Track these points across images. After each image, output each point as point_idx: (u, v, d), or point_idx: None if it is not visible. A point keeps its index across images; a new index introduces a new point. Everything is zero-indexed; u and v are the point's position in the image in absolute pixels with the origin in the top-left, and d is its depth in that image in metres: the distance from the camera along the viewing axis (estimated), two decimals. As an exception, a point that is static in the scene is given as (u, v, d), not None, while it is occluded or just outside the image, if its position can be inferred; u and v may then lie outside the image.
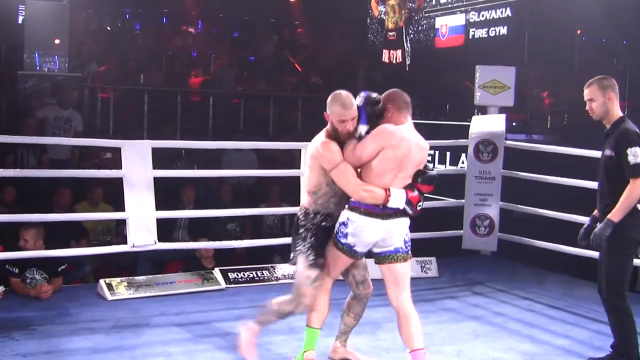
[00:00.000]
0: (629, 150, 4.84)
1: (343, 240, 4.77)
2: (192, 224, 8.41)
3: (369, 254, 4.91)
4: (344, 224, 4.75)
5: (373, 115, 4.75)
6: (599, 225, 5.01)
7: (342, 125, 4.72)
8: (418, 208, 4.74)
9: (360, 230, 4.72)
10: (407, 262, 4.87)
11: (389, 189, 4.64)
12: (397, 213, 4.71)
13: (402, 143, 4.65)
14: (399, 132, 4.67)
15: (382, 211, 4.68)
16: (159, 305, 6.57)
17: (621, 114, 5.06)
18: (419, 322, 4.82)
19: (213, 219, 8.29)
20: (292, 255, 4.98)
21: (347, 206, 4.77)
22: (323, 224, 4.87)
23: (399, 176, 4.71)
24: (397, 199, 4.66)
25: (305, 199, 4.94)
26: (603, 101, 5.04)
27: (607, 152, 5.04)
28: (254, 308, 6.56)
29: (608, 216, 4.94)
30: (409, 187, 4.74)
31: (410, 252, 4.87)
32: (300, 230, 4.89)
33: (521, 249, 8.01)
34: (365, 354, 5.40)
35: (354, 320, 5.27)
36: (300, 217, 4.91)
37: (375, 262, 4.88)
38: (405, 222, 4.80)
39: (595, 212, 5.24)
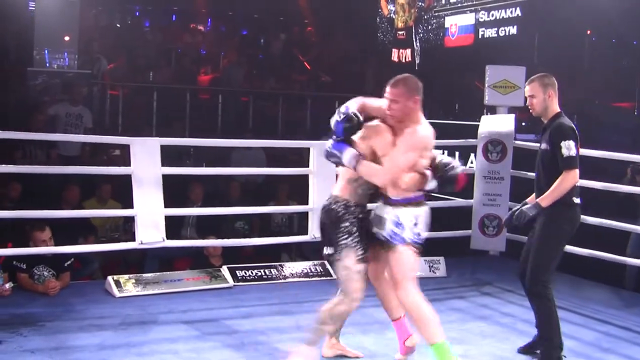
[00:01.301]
0: (563, 144, 5.00)
1: (417, 239, 4.78)
2: (200, 221, 8.42)
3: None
4: (415, 224, 4.75)
5: (349, 131, 4.73)
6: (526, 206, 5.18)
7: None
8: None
9: (424, 221, 4.79)
10: None
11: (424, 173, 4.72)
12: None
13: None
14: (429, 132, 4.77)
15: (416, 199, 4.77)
16: (166, 303, 6.57)
17: (558, 110, 5.20)
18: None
19: (221, 217, 8.30)
20: (330, 250, 4.83)
21: (397, 204, 4.74)
22: (360, 216, 4.81)
23: None
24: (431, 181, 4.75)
25: (342, 189, 4.83)
26: (543, 98, 5.18)
27: (543, 145, 5.19)
28: (261, 306, 6.61)
29: (537, 200, 5.14)
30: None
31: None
32: (345, 224, 4.76)
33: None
34: (375, 353, 5.35)
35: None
36: (340, 210, 4.77)
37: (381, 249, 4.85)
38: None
39: (529, 199, 5.43)
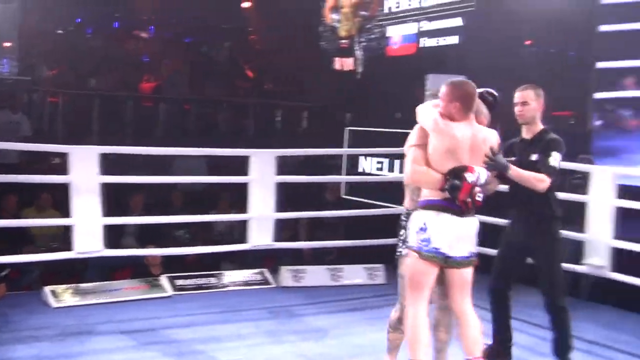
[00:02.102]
0: (554, 153, 5.09)
1: (426, 248, 4.50)
2: (140, 230, 8.36)
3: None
4: (422, 229, 4.50)
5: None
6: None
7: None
8: (464, 199, 4.44)
9: (442, 229, 4.49)
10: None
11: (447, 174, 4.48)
12: (471, 211, 4.53)
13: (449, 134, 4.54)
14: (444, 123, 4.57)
15: (457, 207, 4.47)
16: (105, 313, 6.53)
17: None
18: (480, 329, 4.66)
19: (162, 226, 8.24)
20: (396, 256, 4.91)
21: (418, 207, 4.60)
22: None
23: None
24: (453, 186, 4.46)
25: (406, 197, 4.89)
26: (536, 107, 5.24)
27: (534, 157, 5.17)
28: (200, 315, 6.60)
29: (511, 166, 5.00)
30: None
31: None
32: (402, 232, 4.80)
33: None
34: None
35: (447, 333, 4.95)
36: (403, 217, 4.85)
37: (444, 266, 4.57)
38: (476, 222, 4.62)
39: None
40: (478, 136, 4.59)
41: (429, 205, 4.53)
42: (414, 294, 4.58)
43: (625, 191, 6.77)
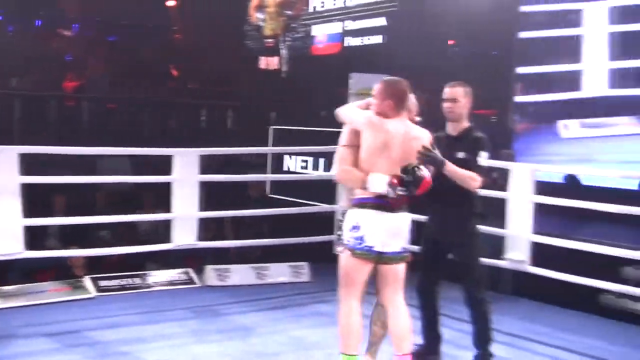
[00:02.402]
0: (482, 153, 5.18)
1: (359, 246, 4.60)
2: (63, 231, 8.26)
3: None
4: (355, 227, 4.60)
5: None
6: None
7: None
8: (399, 192, 4.54)
9: (374, 226, 4.58)
10: (404, 263, 4.77)
11: (369, 173, 4.59)
12: (402, 206, 4.63)
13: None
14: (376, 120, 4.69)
15: (388, 204, 4.57)
16: (27, 315, 6.45)
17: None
18: (410, 326, 4.74)
19: (85, 226, 8.15)
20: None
21: (352, 205, 4.70)
22: None
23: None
24: (377, 183, 4.56)
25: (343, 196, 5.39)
26: (464, 104, 5.29)
27: (460, 154, 5.19)
28: (125, 316, 6.56)
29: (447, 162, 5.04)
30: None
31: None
32: (339, 230, 4.98)
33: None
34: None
35: (382, 329, 5.09)
36: (339, 216, 5.25)
37: (377, 262, 4.68)
38: (408, 218, 4.70)
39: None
40: (410, 133, 4.72)
41: (362, 204, 4.62)
42: (347, 290, 4.71)
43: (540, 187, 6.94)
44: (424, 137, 4.78)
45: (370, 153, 4.60)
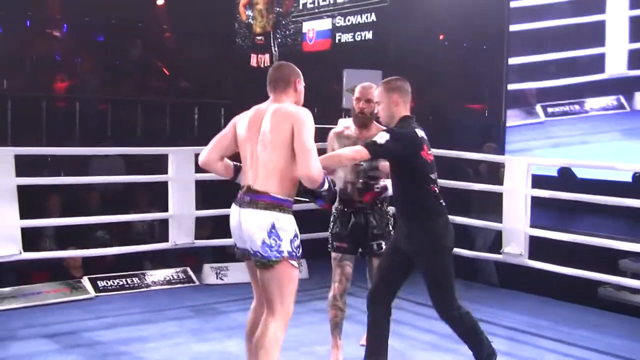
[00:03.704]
0: (382, 133, 4.66)
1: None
2: (58, 232, 8.24)
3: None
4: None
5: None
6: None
7: (357, 104, 5.48)
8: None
9: (231, 220, 4.33)
10: (272, 271, 4.16)
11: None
12: (252, 202, 4.16)
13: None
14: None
15: (241, 198, 4.25)
16: (25, 317, 6.45)
17: (404, 115, 4.82)
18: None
19: (81, 227, 8.12)
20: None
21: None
22: None
23: None
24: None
25: None
26: (388, 104, 4.83)
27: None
28: (124, 316, 6.56)
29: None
30: None
31: (282, 258, 4.14)
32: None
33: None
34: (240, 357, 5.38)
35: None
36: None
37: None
38: (265, 216, 4.13)
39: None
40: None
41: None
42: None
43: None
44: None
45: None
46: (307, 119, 4.15)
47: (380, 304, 5.02)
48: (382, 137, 4.61)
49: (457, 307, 4.80)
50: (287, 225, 4.19)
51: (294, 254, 4.20)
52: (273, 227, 4.12)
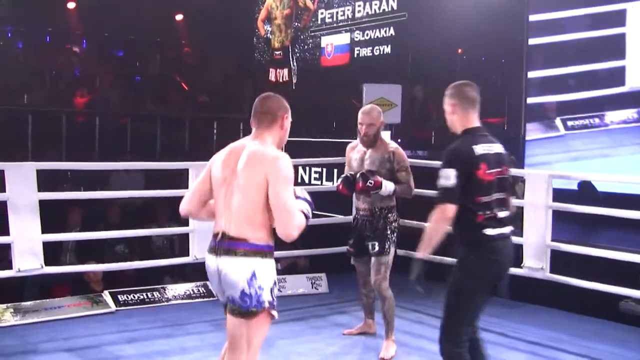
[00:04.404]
0: (441, 172, 4.31)
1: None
2: (79, 246, 8.27)
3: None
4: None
5: None
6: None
7: (360, 128, 6.15)
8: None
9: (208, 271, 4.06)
10: (248, 321, 3.90)
11: None
12: (230, 250, 3.89)
13: None
14: None
15: (215, 245, 3.97)
16: (47, 331, 6.46)
17: (469, 127, 4.47)
18: None
19: (101, 241, 8.17)
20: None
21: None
22: None
23: None
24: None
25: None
26: (450, 112, 4.54)
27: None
28: (145, 330, 6.57)
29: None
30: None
31: (262, 309, 3.88)
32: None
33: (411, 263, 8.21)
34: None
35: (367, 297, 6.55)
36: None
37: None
38: (245, 264, 3.86)
39: None
40: None
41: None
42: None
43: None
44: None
45: None
46: (283, 169, 3.87)
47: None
48: (447, 178, 4.25)
49: (458, 344, 4.39)
50: (268, 273, 3.90)
51: (274, 303, 3.93)
52: (254, 275, 3.85)
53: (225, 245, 3.89)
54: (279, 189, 3.82)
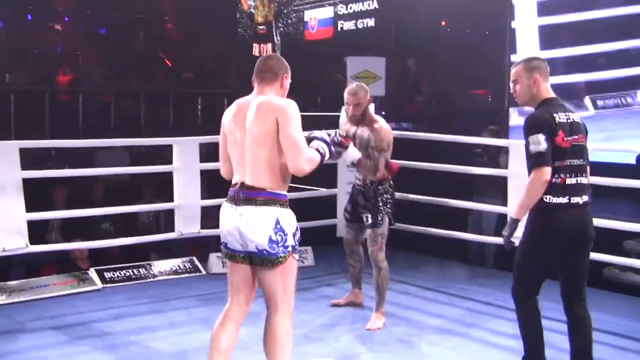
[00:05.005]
0: (530, 138, 4.44)
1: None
2: (64, 224, 8.26)
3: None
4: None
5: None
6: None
7: (347, 108, 6.09)
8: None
9: (221, 220, 4.26)
10: (278, 267, 4.13)
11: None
12: (250, 199, 4.09)
13: None
14: None
15: (234, 194, 4.19)
16: (33, 310, 6.44)
17: (547, 97, 4.62)
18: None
19: (86, 219, 8.14)
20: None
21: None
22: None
23: None
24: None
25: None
26: (528, 84, 4.62)
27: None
28: (132, 306, 6.57)
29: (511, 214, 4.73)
30: None
31: (288, 253, 4.13)
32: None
33: (396, 234, 8.21)
34: (249, 345, 5.37)
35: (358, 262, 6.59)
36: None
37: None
38: (268, 212, 4.08)
39: None
40: None
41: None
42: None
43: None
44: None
45: None
46: (292, 110, 4.08)
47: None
48: (537, 143, 4.41)
49: (523, 296, 4.75)
50: (290, 219, 4.13)
51: (296, 247, 4.19)
52: (277, 222, 4.06)
53: (244, 194, 4.09)
54: (287, 128, 4.02)
